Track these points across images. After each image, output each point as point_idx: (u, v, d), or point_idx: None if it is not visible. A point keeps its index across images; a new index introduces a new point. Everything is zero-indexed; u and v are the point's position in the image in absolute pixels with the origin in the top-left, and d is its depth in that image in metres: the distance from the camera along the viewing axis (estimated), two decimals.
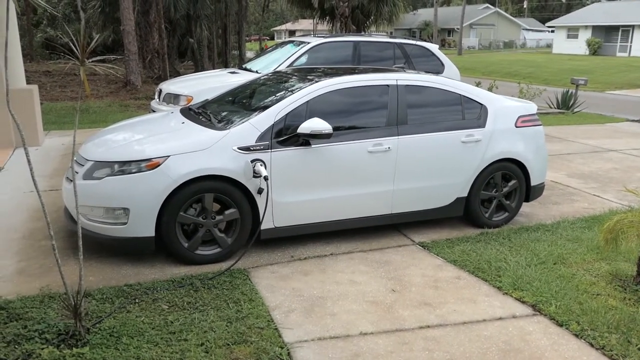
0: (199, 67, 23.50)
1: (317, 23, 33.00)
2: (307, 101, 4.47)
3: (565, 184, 7.06)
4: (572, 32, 45.19)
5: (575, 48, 43.56)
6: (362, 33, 19.57)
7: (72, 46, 2.89)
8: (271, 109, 4.37)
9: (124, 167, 4.00)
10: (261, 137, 4.24)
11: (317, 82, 4.60)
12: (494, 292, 3.81)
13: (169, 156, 4.00)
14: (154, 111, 7.44)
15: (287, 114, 4.37)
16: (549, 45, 52.64)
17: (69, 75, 21.60)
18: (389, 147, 4.64)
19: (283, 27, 62.83)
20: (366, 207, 4.70)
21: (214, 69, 20.18)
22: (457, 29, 52.53)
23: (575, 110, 14.85)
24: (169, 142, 4.16)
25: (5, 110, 7.75)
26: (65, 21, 34.68)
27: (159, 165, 3.97)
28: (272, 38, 66.07)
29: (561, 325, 3.34)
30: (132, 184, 3.94)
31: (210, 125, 4.43)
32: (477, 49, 56.27)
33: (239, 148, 4.16)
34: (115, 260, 4.21)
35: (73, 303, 2.99)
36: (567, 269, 4.19)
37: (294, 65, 7.70)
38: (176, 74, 18.90)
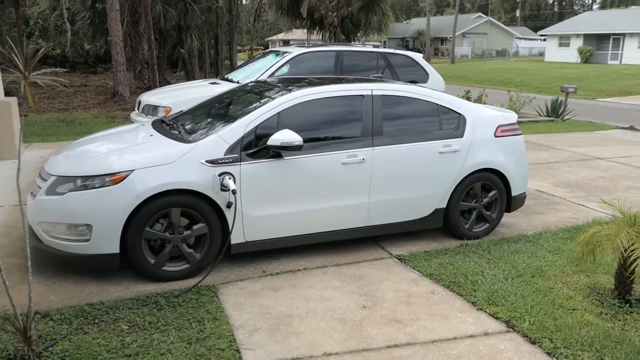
0: (189, 78, 23.43)
1: (310, 33, 33.08)
2: (279, 112, 4.36)
3: (550, 193, 6.97)
4: (564, 40, 45.43)
5: (567, 56, 43.76)
6: (353, 42, 19.56)
7: (16, 59, 2.77)
8: (240, 121, 4.26)
9: (87, 181, 3.87)
10: (230, 150, 4.13)
11: (289, 92, 4.50)
12: (468, 308, 3.69)
13: (133, 170, 3.88)
14: (133, 122, 7.33)
15: (257, 126, 4.26)
16: (542, 54, 52.88)
17: (59, 86, 21.50)
18: (363, 159, 4.53)
19: (277, 37, 63.03)
20: (341, 219, 4.59)
21: (205, 79, 20.11)
22: (450, 37, 52.77)
23: (565, 118, 14.82)
24: (134, 155, 4.05)
25: None
26: (57, 32, 34.65)
27: (123, 180, 3.85)
28: (267, 48, 66.22)
29: (534, 343, 3.22)
30: (95, 200, 3.82)
31: (179, 138, 4.32)
32: (470, 58, 56.50)
33: (207, 161, 4.04)
34: (80, 278, 4.07)
35: (22, 326, 2.86)
36: (544, 282, 4.07)
37: (275, 75, 7.62)
38: (167, 84, 18.81)
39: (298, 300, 3.77)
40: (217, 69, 26.65)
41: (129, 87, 17.08)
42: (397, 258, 4.64)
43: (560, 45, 45.72)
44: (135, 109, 7.88)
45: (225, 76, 8.60)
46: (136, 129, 4.81)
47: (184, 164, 3.99)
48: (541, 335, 3.27)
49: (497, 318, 3.53)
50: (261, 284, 4.06)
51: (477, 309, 3.66)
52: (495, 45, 59.78)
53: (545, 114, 15.09)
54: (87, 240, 3.86)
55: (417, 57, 8.79)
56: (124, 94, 16.32)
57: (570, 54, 43.77)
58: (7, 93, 18.18)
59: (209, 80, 9.00)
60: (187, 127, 4.67)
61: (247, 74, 7.96)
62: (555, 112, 15.01)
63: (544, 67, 36.70)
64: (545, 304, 3.67)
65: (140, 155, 4.03)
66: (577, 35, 43.95)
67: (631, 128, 13.48)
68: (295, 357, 3.03)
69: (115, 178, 3.85)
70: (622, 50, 41.10)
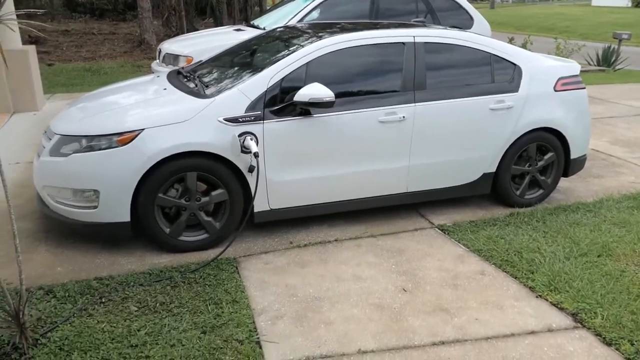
0: (218, 25, 22.68)
1: None
2: (307, 63, 3.80)
3: (608, 152, 6.28)
4: None
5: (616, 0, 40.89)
6: None
7: None
8: (263, 73, 3.73)
9: (93, 142, 3.44)
10: (252, 106, 3.62)
11: (319, 40, 3.92)
12: (525, 294, 3.19)
13: (143, 129, 3.43)
14: (153, 72, 6.85)
15: (282, 78, 3.73)
16: None
17: (86, 34, 21.10)
18: (403, 116, 3.97)
19: None
20: (377, 185, 4.08)
21: (230, 25, 19.39)
22: None
23: (617, 67, 13.69)
24: (144, 112, 3.58)
25: (1, 74, 7.34)
26: None
27: (132, 140, 3.40)
28: None
29: (610, 345, 2.71)
30: (101, 162, 3.40)
31: (195, 92, 3.82)
32: (511, 2, 53.54)
33: (226, 119, 3.55)
34: (91, 247, 3.72)
35: (14, 310, 2.50)
36: (614, 263, 3.52)
37: (304, 21, 6.97)
38: (194, 32, 18.17)
39: (328, 279, 3.34)
40: (246, 16, 25.72)
41: (156, 35, 16.55)
42: (439, 229, 4.14)
43: None
44: (156, 58, 7.39)
45: (251, 22, 7.98)
46: (150, 82, 4.32)
47: (200, 123, 3.51)
48: (618, 335, 2.76)
49: (561, 309, 3.02)
50: (287, 257, 3.64)
51: (537, 296, 3.16)
52: None
53: (595, 63, 13.98)
54: (95, 207, 3.47)
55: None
56: (151, 42, 15.81)
57: None
58: (36, 42, 17.95)
59: (234, 26, 8.40)
60: (205, 79, 4.15)
61: (274, 20, 7.32)
62: (606, 61, 13.88)
63: (591, 12, 34.38)
64: (618, 293, 3.14)
65: (151, 112, 3.56)
66: None
67: None
68: (324, 355, 2.60)
69: (124, 138, 3.41)
70: None
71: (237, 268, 3.47)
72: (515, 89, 4.34)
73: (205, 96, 3.69)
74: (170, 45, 7.05)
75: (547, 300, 3.12)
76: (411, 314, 2.96)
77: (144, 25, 15.61)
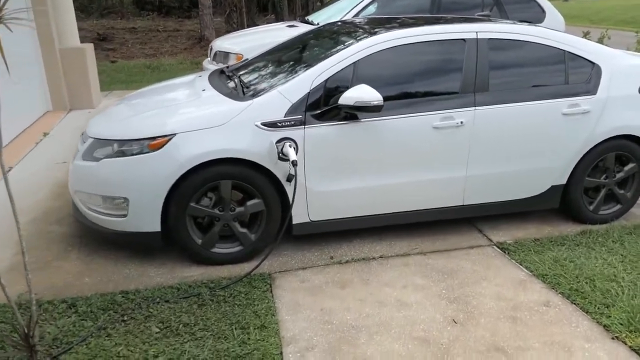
0: (280, 21, 22.65)
1: None
2: (355, 62, 3.47)
3: None
4: None
5: None
6: None
7: None
8: (306, 73, 3.42)
9: (124, 146, 3.26)
10: (292, 110, 3.33)
11: (369, 37, 3.57)
12: (599, 334, 2.72)
13: (175, 134, 3.21)
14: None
15: (327, 79, 3.41)
16: None
17: (152, 31, 21.61)
18: (461, 122, 3.56)
19: None
20: (430, 197, 3.69)
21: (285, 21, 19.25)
22: None
23: None
24: (177, 116, 3.36)
25: (58, 71, 7.45)
26: None
27: (163, 146, 3.19)
28: None
29: None
30: (131, 168, 3.21)
31: (233, 94, 3.57)
32: None
33: (264, 124, 3.28)
34: (122, 256, 3.55)
35: (25, 332, 2.33)
36: None
37: (361, 16, 6.61)
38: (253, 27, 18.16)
39: (369, 304, 2.99)
40: (307, 12, 25.59)
41: (217, 32, 16.65)
42: (498, 247, 3.70)
43: None
44: (208, 55, 7.26)
45: (306, 18, 7.70)
46: (190, 82, 4.12)
47: (236, 127, 3.25)
48: None
49: None
50: (326, 275, 3.33)
51: (613, 338, 2.69)
52: None
53: None
54: (125, 216, 3.29)
55: None
56: (211, 38, 15.89)
57: None
58: (104, 39, 18.47)
59: (287, 23, 8.15)
60: (246, 80, 3.90)
61: (329, 15, 7.01)
62: None
63: None
64: None
65: (184, 116, 3.34)
66: None
67: None
68: None
69: (155, 143, 3.20)
70: None
71: (270, 286, 3.19)
72: (593, 90, 3.81)
73: (243, 98, 3.43)
74: (221, 43, 6.89)
75: (625, 343, 2.64)
76: (461, 352, 2.58)
77: (204, 21, 15.72)
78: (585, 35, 11.84)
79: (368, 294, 3.10)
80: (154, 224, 3.28)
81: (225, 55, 6.48)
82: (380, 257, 3.55)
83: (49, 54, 7.20)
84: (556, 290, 3.13)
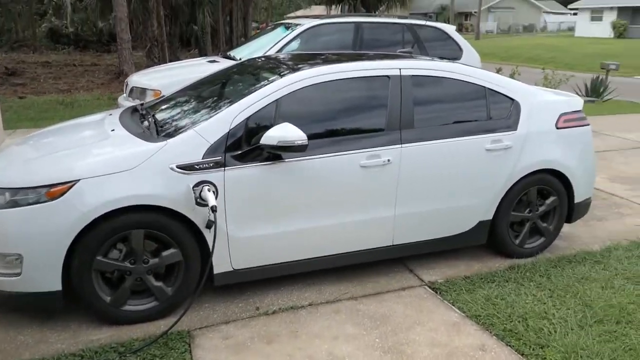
0: (203, 55, 22.39)
1: (329, 8, 31.54)
2: (277, 99, 3.30)
3: (607, 191, 5.82)
4: (596, 14, 43.00)
5: (599, 31, 41.43)
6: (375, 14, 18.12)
7: None
8: (226, 111, 3.21)
9: (18, 195, 2.88)
10: (211, 151, 3.09)
11: (291, 73, 3.43)
12: None
13: (78, 180, 2.88)
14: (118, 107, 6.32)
15: (248, 118, 3.21)
16: (571, 29, 50.48)
17: (67, 66, 20.69)
18: (388, 160, 3.46)
19: (295, 14, 61.25)
20: (359, 239, 3.54)
21: (205, 56, 19.08)
22: (475, 12, 50.58)
23: (606, 98, 13.45)
24: (81, 159, 3.03)
25: None
26: (72, 10, 33.73)
27: (64, 194, 2.84)
28: None
29: None
30: (26, 220, 2.83)
31: (146, 134, 3.29)
32: (496, 33, 54.22)
33: (179, 166, 3.02)
34: (16, 319, 3.12)
35: None
36: (636, 332, 2.99)
37: (284, 51, 6.52)
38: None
39: None
40: (231, 47, 25.52)
41: (137, 67, 16.13)
42: (430, 287, 3.59)
43: (592, 19, 43.32)
44: (124, 91, 6.88)
45: (228, 53, 7.53)
46: (99, 121, 3.78)
47: (148, 171, 2.97)
48: None
49: None
50: (251, 329, 3.06)
51: None
52: (522, 20, 57.24)
53: (584, 94, 13.72)
54: (18, 275, 2.88)
55: (449, 29, 7.59)
56: (130, 73, 15.36)
57: (603, 29, 41.43)
58: (12, 73, 17.39)
59: (208, 57, 7.95)
60: (160, 118, 3.63)
61: (251, 50, 6.88)
62: (595, 91, 13.64)
63: (575, 43, 34.74)
64: None
65: (89, 160, 3.01)
66: (611, 8, 41.51)
67: None
68: None
69: (54, 191, 2.85)
70: None
71: (189, 346, 2.88)
72: (513, 126, 3.86)
73: (156, 139, 3.16)
74: (138, 78, 6.55)
75: None
76: None
77: (123, 56, 15.16)
78: (498, 71, 12.45)
79: (297, 349, 2.86)
80: (53, 283, 2.89)
81: (142, 91, 6.15)
82: (310, 304, 3.34)
83: None
84: (490, 332, 3.04)
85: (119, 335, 2.97)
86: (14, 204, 2.86)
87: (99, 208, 2.85)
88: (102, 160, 2.98)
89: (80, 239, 2.87)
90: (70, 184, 2.86)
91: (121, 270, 3.03)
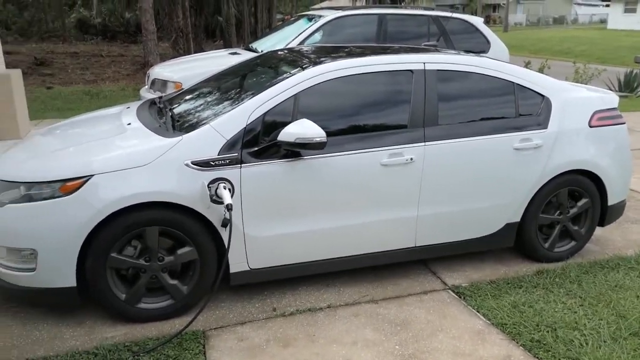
0: (227, 47, 22.38)
1: (355, 0, 31.20)
2: (296, 94, 3.19)
3: None
4: (630, 5, 41.70)
5: (633, 23, 40.17)
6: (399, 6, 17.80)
7: None
8: (243, 106, 3.12)
9: (33, 189, 2.83)
10: (228, 147, 3.00)
11: (311, 67, 3.31)
12: None
13: (92, 175, 2.82)
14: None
15: (265, 113, 3.11)
16: (603, 21, 49.14)
17: (94, 56, 20.89)
18: (411, 158, 3.33)
19: (321, 5, 60.89)
20: (379, 239, 3.42)
21: (227, 48, 19.01)
22: (503, 4, 49.59)
23: None
24: (96, 154, 2.97)
25: None
26: (99, 1, 34.10)
27: (77, 189, 2.79)
28: None
29: None
30: (41, 215, 2.79)
31: (161, 129, 3.21)
32: (525, 26, 53.12)
33: (194, 163, 2.93)
34: (32, 315, 3.09)
35: None
36: None
37: (306, 44, 6.40)
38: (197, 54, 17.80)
39: None
40: (255, 38, 25.46)
41: (162, 58, 16.20)
42: (453, 291, 3.46)
43: (626, 11, 42.04)
44: (145, 83, 6.85)
45: (249, 45, 7.44)
46: (116, 115, 3.72)
47: (162, 167, 2.90)
48: None
49: None
50: (268, 331, 2.97)
51: None
52: (552, 12, 55.97)
53: (617, 89, 13.28)
54: (33, 270, 2.84)
55: (477, 21, 7.36)
56: (155, 64, 15.42)
57: (637, 21, 40.18)
58: (42, 63, 17.63)
59: (230, 50, 7.87)
60: (177, 112, 3.55)
61: (273, 43, 6.77)
62: (629, 86, 13.19)
63: (607, 36, 33.74)
64: None
65: (104, 155, 2.94)
66: None
67: None
68: None
69: (68, 186, 2.80)
70: None
71: (204, 347, 2.81)
72: (543, 124, 3.68)
73: (171, 134, 3.08)
74: (159, 70, 6.51)
75: None
76: None
77: (148, 47, 15.20)
78: (527, 65, 12.16)
79: (314, 354, 2.76)
80: (68, 279, 2.85)
81: (164, 83, 6.11)
82: (328, 307, 3.24)
83: None
84: (517, 342, 2.89)
85: (133, 334, 2.92)
86: (29, 199, 2.82)
87: (112, 204, 2.79)
88: (116, 156, 2.92)
89: (95, 235, 2.82)
90: (84, 179, 2.80)
91: (136, 268, 2.97)
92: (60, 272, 2.84)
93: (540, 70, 12.67)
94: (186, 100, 3.80)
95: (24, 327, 2.98)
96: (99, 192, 2.79)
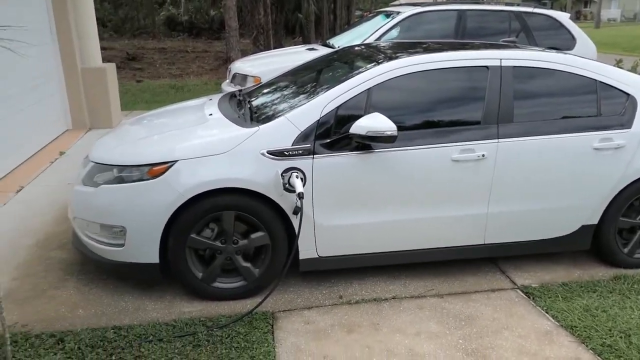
0: (307, 43, 22.77)
1: None
2: (369, 88, 3.27)
3: None
4: None
5: None
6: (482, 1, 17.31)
7: None
8: (317, 100, 3.24)
9: (124, 172, 3.11)
10: (301, 138, 3.13)
11: (385, 62, 3.37)
12: None
13: (176, 161, 3.04)
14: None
15: (338, 106, 3.21)
16: None
17: (181, 52, 21.92)
18: (483, 155, 3.31)
19: (401, 1, 60.23)
20: (448, 235, 3.44)
21: (306, 44, 19.27)
22: None
23: None
24: (180, 141, 3.19)
25: (79, 90, 7.46)
26: (187, 0, 35.71)
27: (163, 173, 3.03)
28: None
29: None
30: (130, 196, 3.05)
31: (240, 120, 3.40)
32: (619, 22, 49.86)
33: (269, 152, 3.09)
34: (121, 287, 3.38)
35: None
36: None
37: (383, 39, 6.44)
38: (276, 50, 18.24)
39: (377, 354, 2.74)
40: (334, 35, 25.69)
41: (243, 53, 16.76)
42: (523, 291, 3.41)
43: None
44: (227, 77, 7.17)
45: (327, 41, 7.58)
46: (199, 106, 3.97)
47: (240, 155, 3.07)
48: None
49: None
50: (333, 316, 3.08)
51: None
52: None
53: None
54: (122, 246, 3.12)
55: (562, 17, 7.08)
56: (236, 59, 15.99)
57: None
58: (133, 58, 18.74)
59: (307, 46, 8.04)
60: (255, 104, 3.73)
61: (350, 39, 6.87)
62: None
63: None
64: None
65: (187, 142, 3.17)
66: None
67: None
68: None
69: (154, 170, 3.04)
70: None
71: (272, 327, 2.97)
72: (627, 124, 3.53)
73: (249, 125, 3.26)
74: (240, 65, 6.80)
75: None
76: None
77: (230, 43, 15.79)
78: (618, 63, 11.45)
79: (377, 342, 2.84)
80: (152, 256, 3.10)
81: (244, 77, 6.38)
82: (393, 298, 3.30)
83: (71, 73, 7.22)
84: (586, 345, 2.82)
85: (207, 310, 3.12)
86: (121, 180, 3.09)
87: (193, 188, 2.99)
88: (198, 143, 3.13)
89: (177, 216, 3.04)
90: (169, 164, 3.03)
91: (212, 249, 3.17)
92: (145, 249, 3.09)
93: (633, 69, 11.92)
94: (264, 94, 3.98)
95: (112, 297, 3.27)
96: (181, 177, 3.01)
